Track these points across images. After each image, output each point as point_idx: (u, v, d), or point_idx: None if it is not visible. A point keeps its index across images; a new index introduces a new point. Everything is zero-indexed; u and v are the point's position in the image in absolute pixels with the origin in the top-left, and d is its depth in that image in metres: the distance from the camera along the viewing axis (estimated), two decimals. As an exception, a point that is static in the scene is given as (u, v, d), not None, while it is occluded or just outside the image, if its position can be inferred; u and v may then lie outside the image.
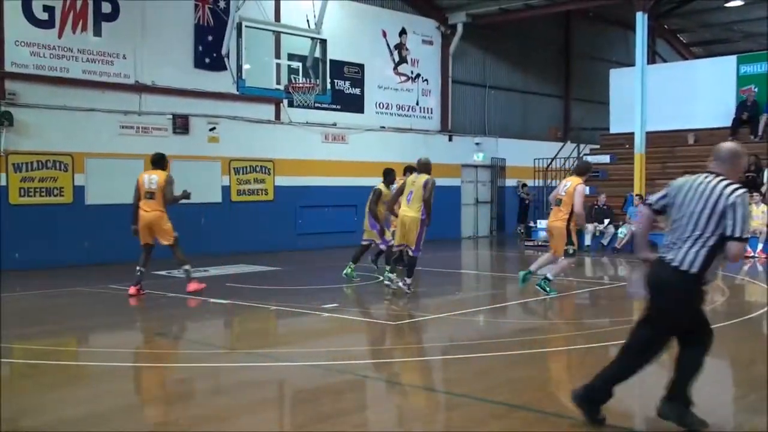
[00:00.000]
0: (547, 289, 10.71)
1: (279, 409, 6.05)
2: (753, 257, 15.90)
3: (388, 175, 12.58)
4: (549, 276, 10.80)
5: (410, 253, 10.79)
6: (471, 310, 10.31)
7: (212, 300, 10.47)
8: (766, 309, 10.07)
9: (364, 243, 12.79)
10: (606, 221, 18.72)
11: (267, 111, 18.27)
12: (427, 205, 10.58)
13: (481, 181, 23.92)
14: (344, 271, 12.54)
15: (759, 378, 6.58)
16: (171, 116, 16.49)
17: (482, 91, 24.15)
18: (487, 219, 24.03)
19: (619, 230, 18.25)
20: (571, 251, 10.72)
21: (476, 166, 23.58)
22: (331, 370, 6.86)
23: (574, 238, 10.82)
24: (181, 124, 16.59)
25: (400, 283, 10.83)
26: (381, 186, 12.45)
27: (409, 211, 10.68)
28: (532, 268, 11.17)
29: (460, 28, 22.31)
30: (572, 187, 10.59)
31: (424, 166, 10.92)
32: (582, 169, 11.15)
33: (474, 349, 7.66)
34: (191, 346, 8.24)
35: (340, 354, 7.46)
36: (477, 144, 23.27)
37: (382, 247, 12.49)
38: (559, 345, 7.64)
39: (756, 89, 21.63)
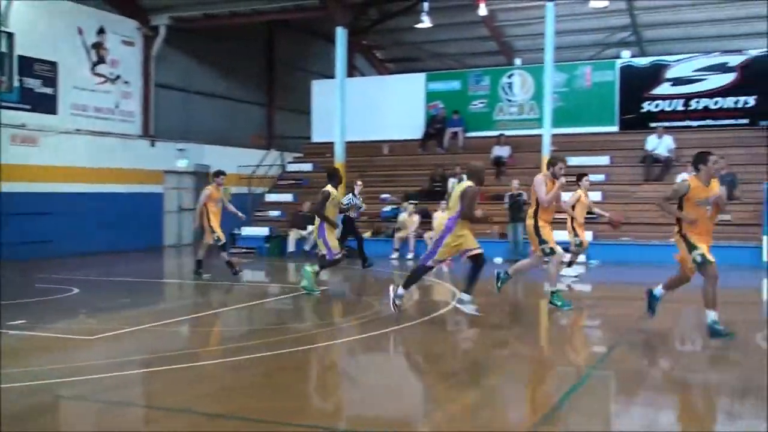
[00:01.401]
0: (501, 283, 10.33)
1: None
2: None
3: (335, 176, 11.96)
4: (509, 271, 10.35)
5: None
6: (174, 319, 10.10)
7: None
8: (448, 308, 11.01)
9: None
10: (309, 227, 19.28)
11: (-60, 108, 16.45)
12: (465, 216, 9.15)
13: (185, 188, 23.50)
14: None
15: (446, 372, 7.22)
16: None
17: (187, 96, 23.75)
18: (190, 227, 23.63)
19: (321, 236, 18.84)
20: (547, 250, 9.93)
21: (180, 173, 23.14)
22: (20, 392, 6.34)
23: (545, 235, 9.92)
24: None
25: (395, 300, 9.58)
26: (329, 188, 11.71)
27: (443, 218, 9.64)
28: (510, 271, 10.42)
29: (162, 31, 21.82)
30: (534, 183, 9.96)
31: (472, 173, 9.43)
32: (547, 163, 10.49)
33: (177, 359, 7.52)
34: None
35: (32, 374, 6.91)
36: (180, 150, 22.84)
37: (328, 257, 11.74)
38: (263, 351, 7.76)
39: (443, 105, 23.67)
